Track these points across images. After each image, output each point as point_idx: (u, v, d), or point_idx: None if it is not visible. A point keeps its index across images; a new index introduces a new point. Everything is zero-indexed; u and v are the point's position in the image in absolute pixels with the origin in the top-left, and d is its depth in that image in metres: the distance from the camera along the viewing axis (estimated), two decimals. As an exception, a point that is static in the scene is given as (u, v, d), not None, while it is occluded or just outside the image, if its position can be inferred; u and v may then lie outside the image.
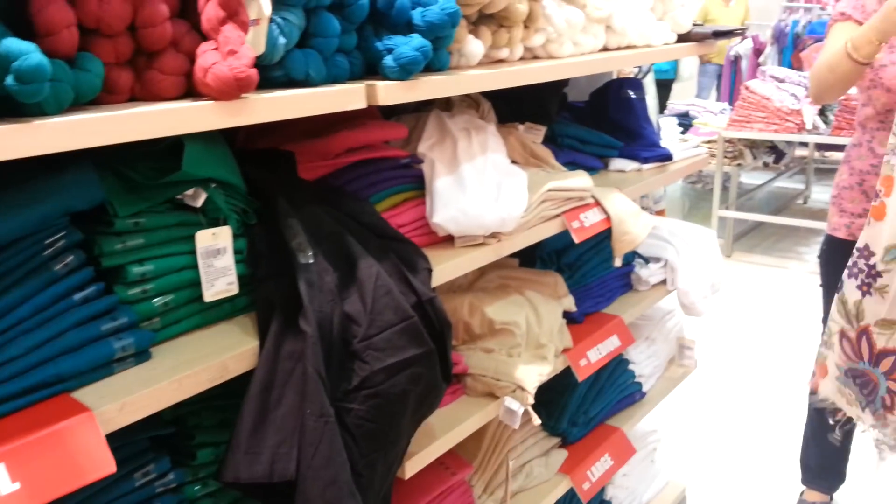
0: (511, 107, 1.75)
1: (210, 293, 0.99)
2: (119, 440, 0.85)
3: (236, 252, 1.02)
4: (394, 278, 1.07)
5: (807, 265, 4.53)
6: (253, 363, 0.95)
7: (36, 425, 0.72)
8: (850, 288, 1.65)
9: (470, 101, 1.67)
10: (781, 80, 4.45)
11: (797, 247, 4.87)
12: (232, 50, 0.83)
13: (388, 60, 1.07)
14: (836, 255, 1.90)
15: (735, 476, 2.50)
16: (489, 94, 1.62)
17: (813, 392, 1.81)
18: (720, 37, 1.72)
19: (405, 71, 1.06)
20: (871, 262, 1.60)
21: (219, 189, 0.99)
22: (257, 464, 0.92)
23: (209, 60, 0.83)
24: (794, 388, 2.95)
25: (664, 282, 1.95)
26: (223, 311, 1.03)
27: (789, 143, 4.70)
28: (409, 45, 1.06)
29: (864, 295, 1.63)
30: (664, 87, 6.76)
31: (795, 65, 5.77)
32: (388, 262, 1.09)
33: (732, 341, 3.48)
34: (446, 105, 1.61)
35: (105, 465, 0.72)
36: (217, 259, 0.99)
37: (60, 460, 0.70)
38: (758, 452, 2.63)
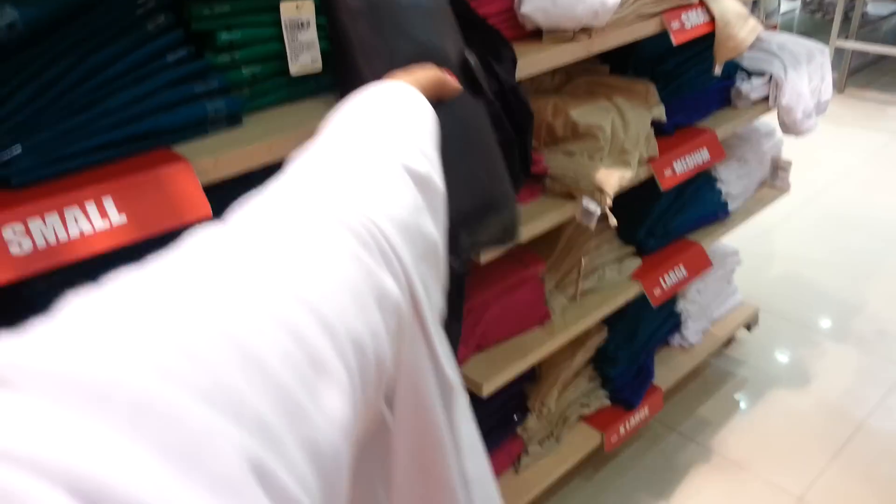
0: None
1: (295, 67, 0.99)
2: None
3: (319, 27, 1.01)
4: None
5: (927, 103, 4.15)
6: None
7: (139, 169, 0.77)
8: None
9: None
10: None
11: (919, 84, 4.45)
12: None
13: None
14: None
15: (809, 302, 2.48)
16: None
17: None
18: None
19: None
20: None
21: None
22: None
23: None
24: None
25: (766, 99, 1.83)
26: (308, 87, 1.04)
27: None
28: None
29: None
30: None
31: None
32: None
33: (832, 171, 3.31)
34: None
35: (202, 209, 0.77)
36: (301, 33, 0.99)
37: (161, 201, 0.75)
38: (830, 282, 2.57)
